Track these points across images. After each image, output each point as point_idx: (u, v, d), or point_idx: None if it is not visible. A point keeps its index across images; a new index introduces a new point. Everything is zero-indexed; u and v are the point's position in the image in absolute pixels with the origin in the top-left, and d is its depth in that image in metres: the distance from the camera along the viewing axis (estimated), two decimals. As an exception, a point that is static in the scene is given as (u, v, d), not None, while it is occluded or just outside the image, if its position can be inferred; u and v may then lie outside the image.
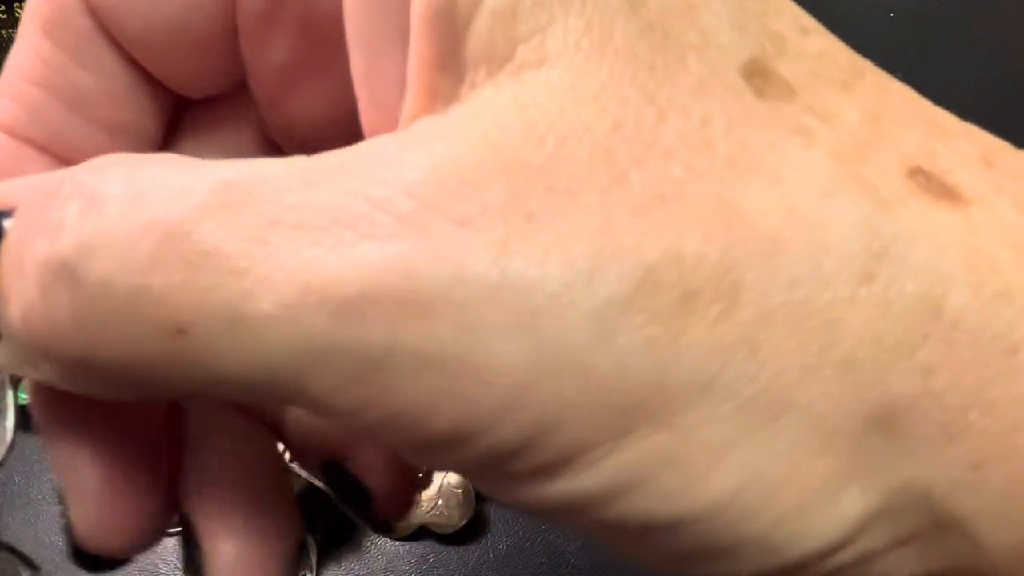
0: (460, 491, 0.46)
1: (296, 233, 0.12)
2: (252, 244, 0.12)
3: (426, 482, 0.47)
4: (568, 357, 0.11)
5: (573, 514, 0.13)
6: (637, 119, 0.12)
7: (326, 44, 0.16)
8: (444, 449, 0.12)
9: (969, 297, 0.12)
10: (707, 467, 0.12)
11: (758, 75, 0.13)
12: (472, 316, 0.11)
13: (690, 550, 0.13)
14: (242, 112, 0.19)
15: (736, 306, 0.12)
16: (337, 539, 0.47)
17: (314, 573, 0.46)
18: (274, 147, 0.19)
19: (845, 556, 0.13)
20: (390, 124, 0.14)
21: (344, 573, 0.47)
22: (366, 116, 0.15)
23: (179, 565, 0.46)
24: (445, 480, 0.47)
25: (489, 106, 0.12)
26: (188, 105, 0.19)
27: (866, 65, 0.15)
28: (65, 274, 0.12)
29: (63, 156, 0.17)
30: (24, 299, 0.13)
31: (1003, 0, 0.68)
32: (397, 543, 0.47)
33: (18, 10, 0.52)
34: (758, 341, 0.12)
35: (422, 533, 0.47)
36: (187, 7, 0.17)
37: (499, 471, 0.13)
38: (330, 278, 0.11)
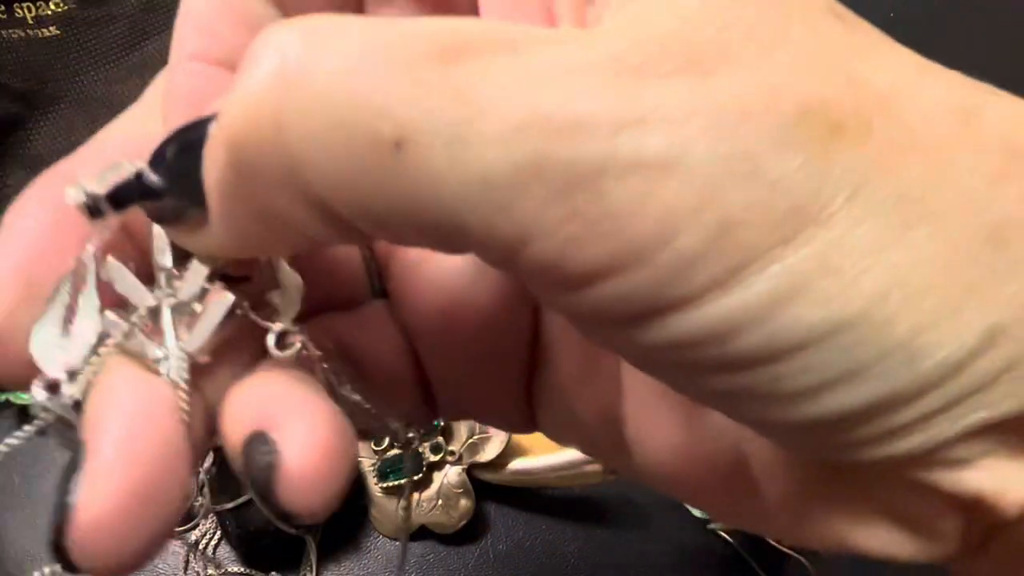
0: (460, 491, 0.46)
1: (521, 74, 0.14)
2: (478, 77, 0.14)
3: (426, 482, 0.47)
4: (749, 164, 0.14)
5: (740, 332, 0.14)
6: (774, 8, 0.15)
7: None
8: (641, 256, 0.14)
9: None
10: (859, 270, 0.14)
11: (841, 18, 0.16)
12: (676, 129, 0.13)
13: (837, 371, 0.14)
14: None
15: (870, 137, 0.14)
16: (337, 539, 0.47)
17: (314, 573, 0.46)
18: None
19: (971, 377, 0.14)
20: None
21: (344, 573, 0.47)
22: None
23: (180, 566, 0.46)
24: (445, 480, 0.47)
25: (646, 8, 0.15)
26: None
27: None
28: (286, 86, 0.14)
29: None
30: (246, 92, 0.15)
31: (1003, 0, 0.68)
32: (397, 543, 0.47)
33: (18, 10, 0.52)
34: (889, 162, 0.14)
35: (422, 533, 0.47)
36: None
37: (681, 285, 0.14)
38: (553, 105, 0.13)
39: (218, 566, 0.47)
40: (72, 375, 0.17)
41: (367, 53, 0.14)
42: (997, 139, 0.15)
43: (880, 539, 0.17)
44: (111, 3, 0.55)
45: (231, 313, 0.18)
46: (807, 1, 0.15)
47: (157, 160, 0.17)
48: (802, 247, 0.14)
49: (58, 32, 0.53)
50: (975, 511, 0.15)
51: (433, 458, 0.46)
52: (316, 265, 0.21)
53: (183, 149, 0.16)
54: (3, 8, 0.52)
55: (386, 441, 0.47)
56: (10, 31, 0.52)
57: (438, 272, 0.21)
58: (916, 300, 0.14)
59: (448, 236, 0.14)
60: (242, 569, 0.47)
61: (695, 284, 0.14)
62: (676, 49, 0.14)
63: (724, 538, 0.46)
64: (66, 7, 0.54)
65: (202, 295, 0.18)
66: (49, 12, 0.54)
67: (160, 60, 0.56)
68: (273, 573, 0.46)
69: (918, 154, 0.14)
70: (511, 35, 0.14)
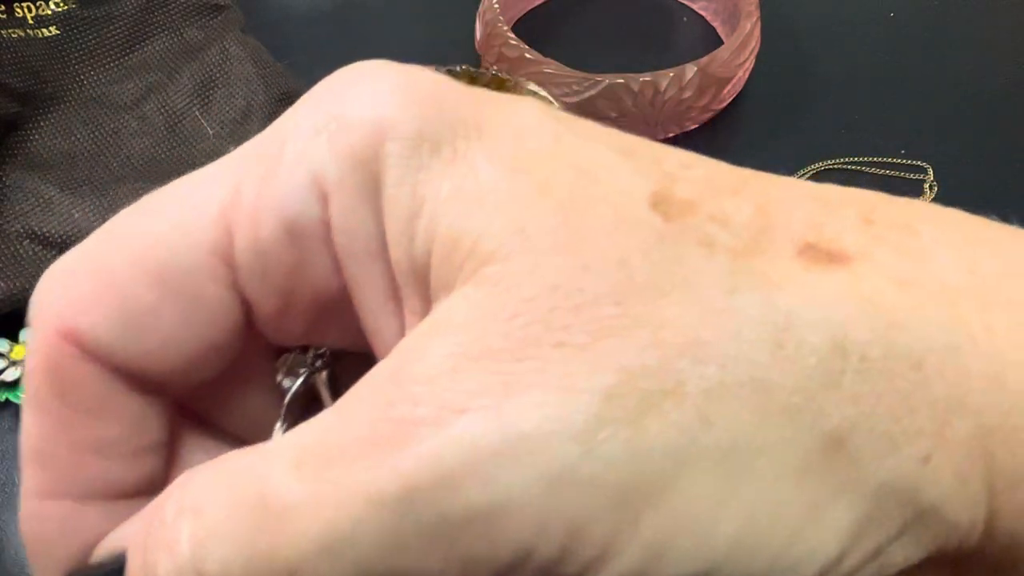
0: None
1: (347, 467, 0.15)
2: (317, 487, 0.15)
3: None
4: (568, 476, 0.14)
5: None
6: (566, 278, 0.15)
7: (333, 309, 0.18)
8: (511, 574, 0.15)
9: (868, 333, 0.15)
10: (710, 524, 0.15)
11: (662, 202, 0.16)
12: (488, 476, 0.14)
13: None
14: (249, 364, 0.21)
15: (683, 395, 0.14)
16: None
17: None
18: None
19: (853, 560, 0.15)
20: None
21: (344, 573, 0.47)
22: (378, 350, 0.18)
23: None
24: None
25: (446, 312, 0.16)
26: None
27: (749, 173, 0.17)
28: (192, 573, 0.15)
29: (103, 494, 0.19)
30: None
31: (1003, 0, 0.68)
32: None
33: (18, 10, 0.52)
34: (710, 414, 0.14)
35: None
36: (204, 338, 0.18)
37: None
38: (381, 491, 0.14)
39: None
40: None
41: (234, 511, 0.15)
42: (817, 344, 0.15)
43: None
44: (111, 3, 0.55)
45: None
46: (623, 205, 0.16)
47: None
48: (651, 520, 0.15)
49: (58, 32, 0.53)
50: None
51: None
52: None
53: None
54: (3, 8, 0.52)
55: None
56: (10, 31, 0.52)
57: None
58: (772, 529, 0.15)
59: None
60: None
61: (573, 573, 0.15)
62: (475, 373, 0.15)
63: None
64: (66, 7, 0.54)
65: None
66: (49, 12, 0.54)
67: (160, 60, 0.57)
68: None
69: (736, 394, 0.15)
70: (333, 426, 0.16)
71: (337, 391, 0.20)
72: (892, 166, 0.56)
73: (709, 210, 0.16)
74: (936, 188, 0.55)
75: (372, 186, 0.17)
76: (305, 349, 0.20)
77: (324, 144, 0.17)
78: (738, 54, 0.57)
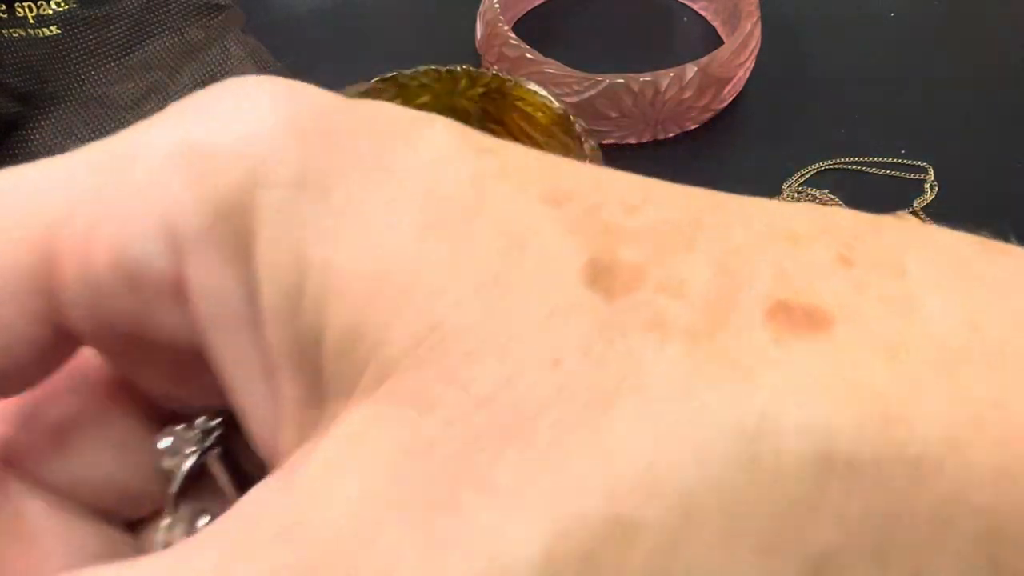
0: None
1: None
2: None
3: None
4: None
5: None
6: (492, 390, 0.12)
7: (202, 368, 0.15)
8: None
9: (855, 434, 0.12)
10: None
11: (603, 274, 0.13)
12: None
13: None
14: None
15: (635, 544, 0.12)
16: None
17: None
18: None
19: None
20: (275, 453, 0.15)
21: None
22: (258, 442, 0.15)
23: None
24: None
25: (352, 438, 0.13)
26: None
27: (705, 204, 0.14)
28: None
29: None
30: None
31: (1003, 1, 0.68)
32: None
33: (19, 10, 0.52)
34: (667, 566, 0.12)
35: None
36: (23, 375, 0.15)
37: None
38: None
39: None
40: None
41: None
42: (798, 456, 0.12)
43: None
44: (111, 3, 0.55)
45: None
46: (555, 285, 0.13)
47: None
48: None
49: (58, 31, 0.53)
50: None
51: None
52: None
53: None
54: (4, 7, 0.52)
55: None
56: (11, 30, 0.52)
57: None
58: None
59: None
60: None
61: None
62: (383, 523, 0.12)
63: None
64: (67, 6, 0.54)
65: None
66: (50, 11, 0.54)
67: (161, 60, 0.57)
68: None
69: (702, 541, 0.12)
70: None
71: (236, 463, 0.17)
72: (892, 166, 0.56)
73: (658, 278, 0.13)
74: (936, 188, 0.55)
75: (241, 242, 0.13)
76: (191, 421, 0.17)
77: (183, 178, 0.14)
78: (738, 54, 0.57)
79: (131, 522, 0.18)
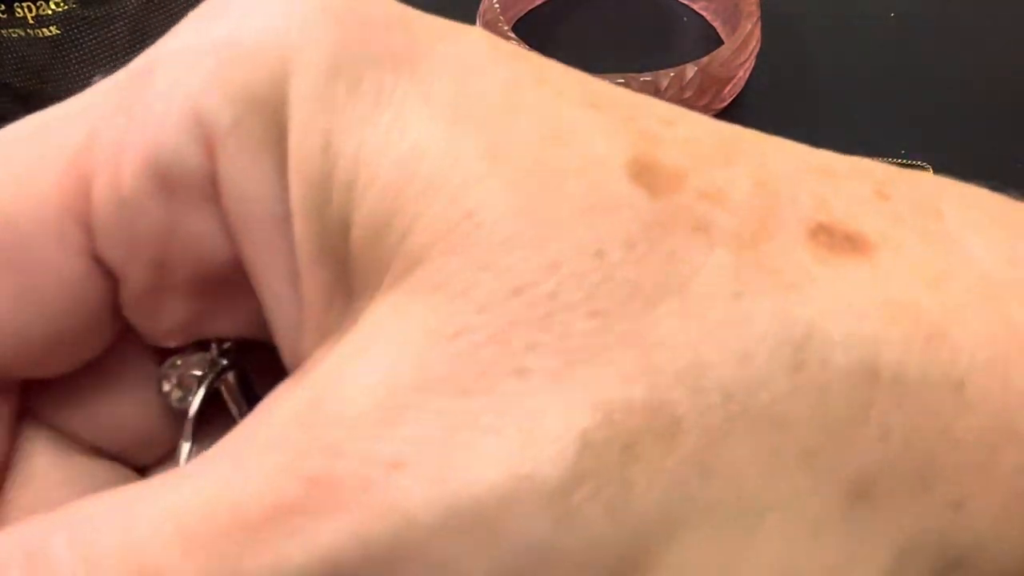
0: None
1: (245, 542, 0.11)
2: (210, 569, 0.11)
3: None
4: (538, 555, 0.11)
5: None
6: (528, 279, 0.12)
7: (225, 285, 0.15)
8: None
9: (901, 350, 0.12)
10: None
11: (645, 171, 0.12)
12: (434, 558, 0.11)
13: None
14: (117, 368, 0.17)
15: (677, 438, 0.11)
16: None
17: None
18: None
19: None
20: (304, 353, 0.14)
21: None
22: (284, 355, 0.15)
23: None
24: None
25: (376, 327, 0.12)
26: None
27: (738, 132, 0.14)
28: None
29: None
30: None
31: (1003, 0, 0.68)
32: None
33: (18, 10, 0.52)
34: (710, 463, 0.12)
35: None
36: (51, 320, 0.14)
37: None
38: (293, 574, 0.11)
39: None
40: None
41: None
42: (843, 367, 0.12)
43: None
44: (111, 3, 0.55)
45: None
46: (597, 178, 0.12)
47: None
48: None
49: (58, 32, 0.53)
50: None
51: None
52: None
53: None
54: (3, 7, 0.52)
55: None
56: (10, 30, 0.52)
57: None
58: None
59: None
60: None
61: None
62: (410, 412, 0.11)
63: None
64: (66, 7, 0.54)
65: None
66: (49, 11, 0.54)
67: (160, 60, 0.56)
68: None
69: (744, 435, 0.12)
70: (224, 481, 0.12)
71: (250, 393, 0.17)
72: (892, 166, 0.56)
73: (700, 184, 0.13)
74: (936, 188, 0.55)
75: (273, 133, 0.13)
76: (203, 346, 0.16)
77: (210, 75, 0.13)
78: (738, 54, 0.57)
79: (144, 467, 0.17)
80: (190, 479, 0.12)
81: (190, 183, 0.13)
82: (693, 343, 0.12)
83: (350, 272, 0.13)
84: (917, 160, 0.56)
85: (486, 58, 0.13)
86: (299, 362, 0.14)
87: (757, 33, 0.59)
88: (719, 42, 0.62)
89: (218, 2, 0.14)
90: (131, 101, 0.13)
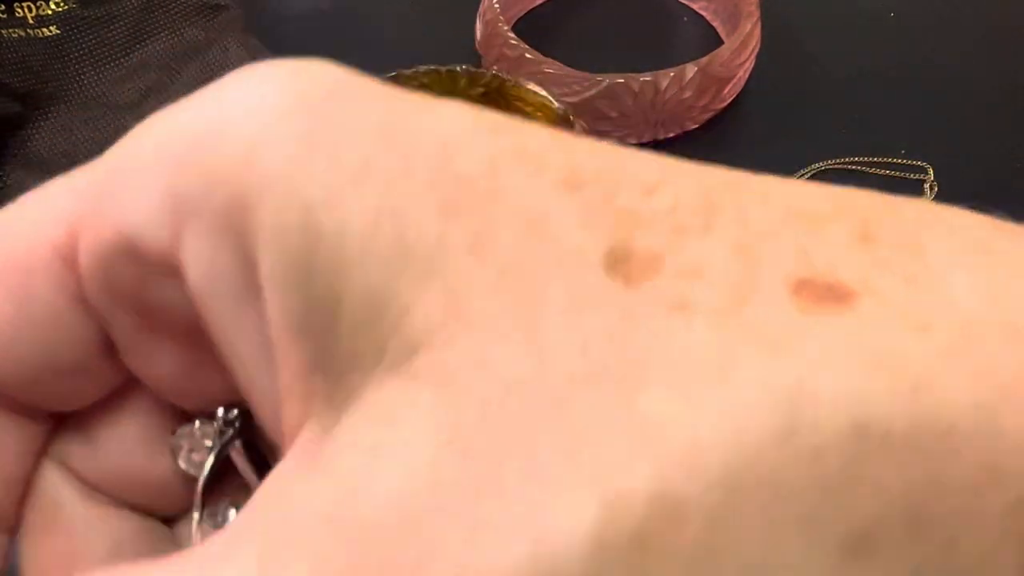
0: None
1: None
2: None
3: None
4: None
5: None
6: (523, 375, 0.12)
7: (212, 348, 0.15)
8: None
9: (888, 403, 0.12)
10: None
11: (621, 262, 0.13)
12: None
13: None
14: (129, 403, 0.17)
15: (683, 522, 0.12)
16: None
17: None
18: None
19: None
20: (279, 428, 0.14)
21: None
22: (262, 422, 0.15)
23: None
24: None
25: (387, 418, 0.13)
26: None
27: (719, 183, 0.14)
28: None
29: None
30: None
31: (1003, 0, 0.68)
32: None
33: (18, 10, 0.52)
34: (715, 544, 0.12)
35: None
36: (46, 347, 0.15)
37: None
38: None
39: None
40: None
41: None
42: (835, 427, 0.12)
43: None
44: (111, 3, 0.55)
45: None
46: (576, 276, 0.13)
47: None
48: None
49: (58, 32, 0.53)
50: None
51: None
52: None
53: None
54: (3, 7, 0.52)
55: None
56: (10, 30, 0.52)
57: None
58: None
59: None
60: None
61: None
62: (425, 521, 0.12)
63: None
64: (66, 7, 0.54)
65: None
66: (49, 11, 0.54)
67: (161, 60, 0.57)
68: None
69: (749, 508, 0.12)
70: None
71: (256, 456, 0.17)
72: (892, 166, 0.56)
73: (677, 264, 0.13)
74: (936, 188, 0.55)
75: (240, 209, 0.13)
76: (211, 417, 0.17)
77: (184, 153, 0.14)
78: (738, 54, 0.57)
79: (167, 517, 0.18)
80: (206, 569, 0.12)
81: (156, 257, 0.14)
82: (688, 424, 0.12)
83: (335, 348, 0.13)
84: (917, 160, 0.57)
85: (466, 130, 0.13)
86: (282, 430, 0.14)
87: (757, 33, 0.59)
88: (719, 42, 0.62)
89: (209, 87, 0.14)
90: (119, 167, 0.15)
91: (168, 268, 0.14)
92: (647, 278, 0.13)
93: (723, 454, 0.12)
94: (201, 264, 0.14)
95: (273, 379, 0.14)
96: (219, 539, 0.13)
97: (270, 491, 0.13)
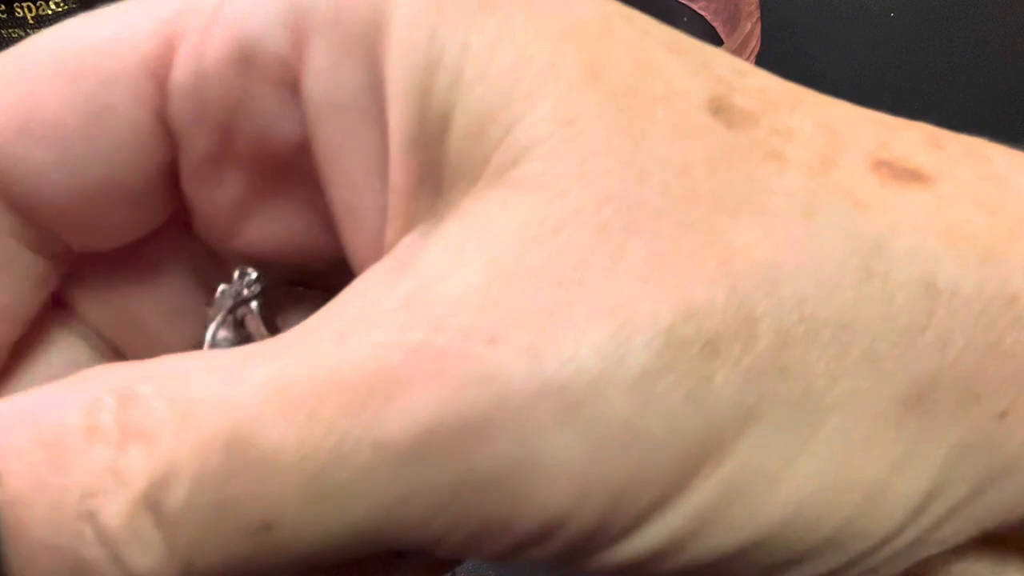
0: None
1: (345, 405, 0.12)
2: (308, 429, 0.12)
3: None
4: (620, 433, 0.12)
5: (653, 566, 0.13)
6: (621, 186, 0.13)
7: (284, 172, 0.15)
8: (532, 545, 0.13)
9: (958, 267, 0.13)
10: (769, 489, 0.13)
11: (722, 109, 0.14)
12: (523, 427, 0.12)
13: (764, 568, 0.13)
14: (167, 253, 0.17)
15: (755, 337, 0.12)
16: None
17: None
18: (207, 285, 0.18)
19: (918, 529, 0.14)
20: (377, 250, 0.15)
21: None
22: (353, 246, 0.15)
23: None
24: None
25: (478, 220, 0.13)
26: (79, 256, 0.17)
27: (802, 90, 0.15)
28: (147, 515, 0.12)
29: None
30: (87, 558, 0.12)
31: (1003, 0, 0.68)
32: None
33: (18, 10, 0.52)
34: (783, 362, 0.12)
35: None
36: (112, 165, 0.15)
37: (584, 549, 0.13)
38: (389, 436, 0.12)
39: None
40: None
41: (201, 449, 0.12)
42: (906, 280, 0.13)
43: None
44: (111, 3, 0.55)
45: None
46: (682, 109, 0.13)
47: None
48: (704, 482, 0.13)
49: (58, 32, 0.54)
50: None
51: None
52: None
53: None
54: (3, 8, 0.52)
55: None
56: (10, 31, 0.52)
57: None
58: (837, 497, 0.13)
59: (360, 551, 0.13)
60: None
61: (605, 540, 0.13)
62: (506, 295, 0.12)
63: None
64: (66, 7, 0.54)
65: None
66: (49, 12, 0.54)
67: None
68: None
69: (815, 338, 0.13)
70: (318, 350, 0.13)
71: (270, 326, 0.17)
72: (892, 166, 0.56)
73: (770, 123, 0.14)
74: (936, 188, 0.55)
75: (371, 27, 0.14)
76: (241, 276, 0.17)
77: None
78: (738, 54, 0.57)
79: None
80: (289, 350, 0.13)
81: (271, 65, 0.14)
82: (770, 253, 0.13)
83: (443, 162, 0.13)
84: (917, 160, 0.57)
85: None
86: (366, 253, 0.15)
87: (757, 33, 0.59)
88: (719, 42, 0.62)
89: None
90: None
91: (283, 81, 0.14)
92: (745, 129, 0.13)
93: (802, 283, 0.13)
94: (326, 78, 0.14)
95: (377, 198, 0.14)
96: (294, 332, 0.13)
97: (355, 288, 0.14)
